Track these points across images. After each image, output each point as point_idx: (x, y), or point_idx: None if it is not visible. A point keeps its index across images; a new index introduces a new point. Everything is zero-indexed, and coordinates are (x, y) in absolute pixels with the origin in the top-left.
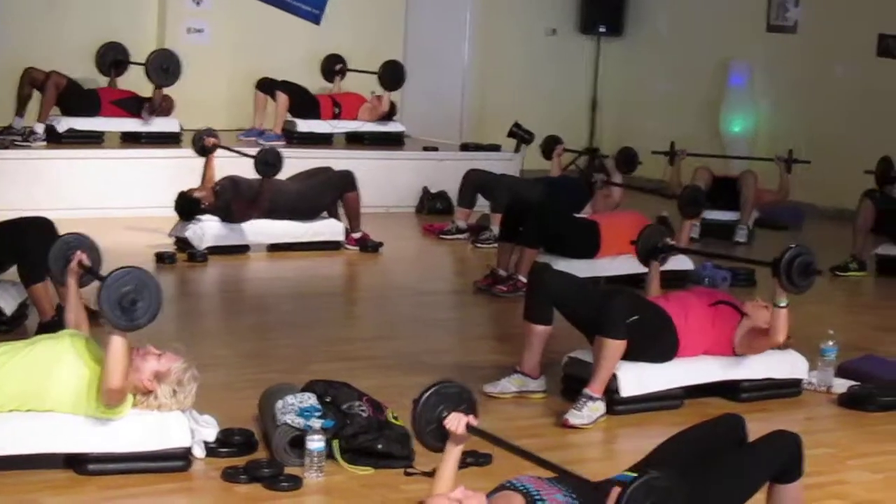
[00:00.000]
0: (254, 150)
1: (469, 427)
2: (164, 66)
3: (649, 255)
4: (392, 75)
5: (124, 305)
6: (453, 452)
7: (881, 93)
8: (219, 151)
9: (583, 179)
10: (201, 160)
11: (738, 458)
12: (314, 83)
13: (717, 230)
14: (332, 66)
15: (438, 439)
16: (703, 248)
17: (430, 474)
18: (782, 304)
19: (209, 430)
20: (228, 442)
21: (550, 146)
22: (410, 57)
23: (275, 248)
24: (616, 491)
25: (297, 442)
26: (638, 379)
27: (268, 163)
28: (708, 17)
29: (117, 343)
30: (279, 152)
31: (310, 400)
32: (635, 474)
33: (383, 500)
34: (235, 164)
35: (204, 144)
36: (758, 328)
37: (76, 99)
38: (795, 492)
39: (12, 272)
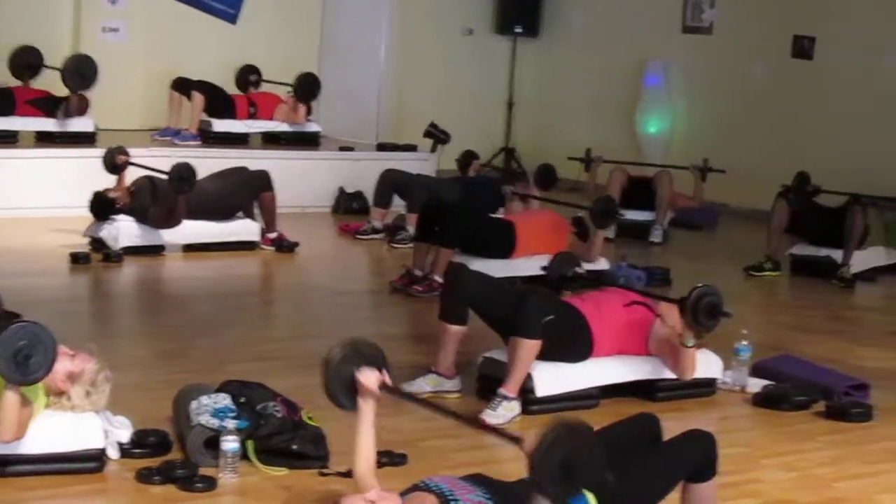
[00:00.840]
0: (167, 166)
1: (382, 385)
2: (81, 72)
3: (559, 284)
4: (307, 87)
5: (18, 360)
6: (366, 410)
7: (796, 93)
8: (134, 150)
9: (500, 180)
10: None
11: (653, 458)
12: (230, 83)
13: (633, 230)
14: (247, 77)
15: (349, 397)
16: (618, 252)
17: (345, 475)
18: (689, 344)
19: (123, 431)
20: (142, 443)
21: (467, 161)
22: (327, 57)
23: (190, 248)
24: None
25: (212, 443)
26: (553, 379)
27: (182, 178)
28: (624, 18)
29: (10, 398)
30: (192, 167)
31: (224, 400)
32: None
33: (298, 501)
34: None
35: (115, 162)
36: (671, 346)
37: None
38: (709, 491)
39: None
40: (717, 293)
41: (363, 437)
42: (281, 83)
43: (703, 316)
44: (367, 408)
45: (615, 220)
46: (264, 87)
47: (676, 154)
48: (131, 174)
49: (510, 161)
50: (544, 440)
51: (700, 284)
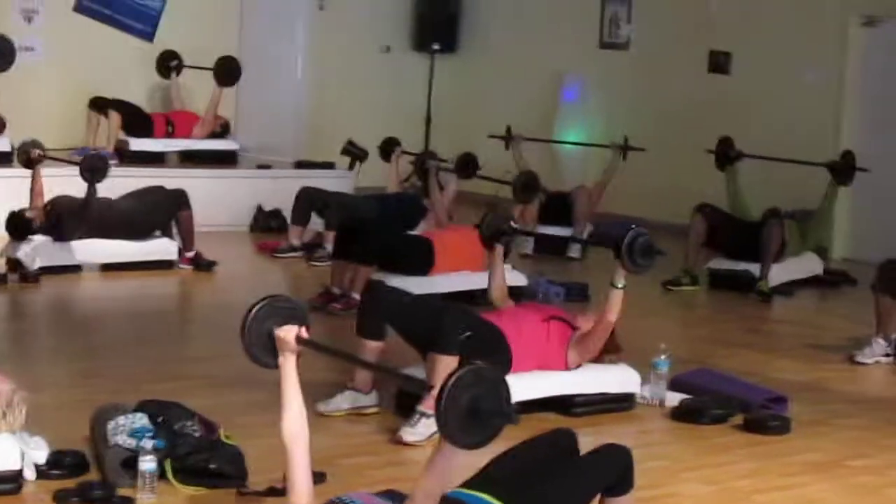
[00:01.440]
0: (83, 184)
1: (299, 339)
2: None
3: (493, 237)
4: (227, 71)
5: None
6: (287, 367)
7: (713, 109)
8: (48, 170)
9: (419, 195)
10: (33, 180)
11: (570, 472)
12: (147, 101)
13: (551, 245)
14: (168, 62)
15: (267, 354)
16: (536, 267)
17: (263, 493)
18: (620, 286)
19: (40, 452)
20: (60, 463)
21: (389, 147)
22: (244, 74)
23: (108, 267)
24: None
25: (130, 463)
26: None
27: (93, 168)
28: (541, 34)
29: None
30: (104, 157)
31: (141, 420)
32: (468, 491)
33: None
34: (66, 185)
35: (30, 156)
36: (587, 335)
37: None
38: None
39: None
40: (648, 234)
41: (288, 396)
42: (201, 67)
43: (640, 256)
44: (287, 364)
45: (536, 194)
46: (185, 74)
47: (594, 168)
48: (50, 190)
49: (423, 163)
50: (448, 385)
51: (633, 226)
